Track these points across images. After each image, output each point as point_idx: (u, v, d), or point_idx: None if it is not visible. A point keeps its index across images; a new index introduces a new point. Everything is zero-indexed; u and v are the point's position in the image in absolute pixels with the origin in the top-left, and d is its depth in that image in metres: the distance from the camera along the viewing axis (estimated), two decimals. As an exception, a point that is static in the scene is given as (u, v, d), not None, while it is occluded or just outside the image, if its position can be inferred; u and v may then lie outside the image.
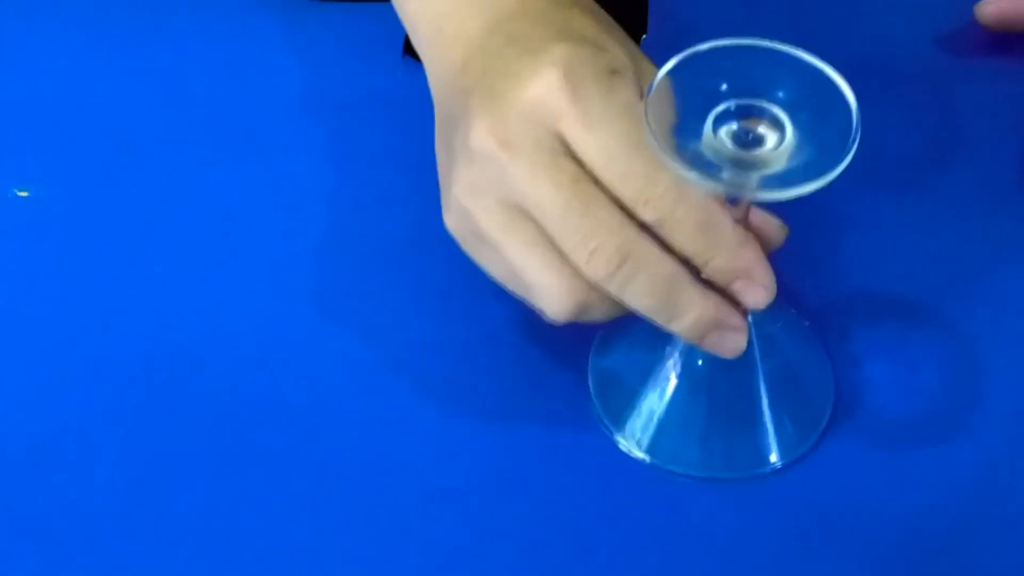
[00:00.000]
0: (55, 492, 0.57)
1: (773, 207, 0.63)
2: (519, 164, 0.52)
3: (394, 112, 0.67)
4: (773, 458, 0.58)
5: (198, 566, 0.55)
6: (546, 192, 0.52)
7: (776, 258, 0.57)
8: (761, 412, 0.58)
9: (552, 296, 0.53)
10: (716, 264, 0.52)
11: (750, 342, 0.57)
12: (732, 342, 0.54)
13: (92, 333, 0.62)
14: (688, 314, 0.53)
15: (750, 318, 0.56)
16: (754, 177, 0.50)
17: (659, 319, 0.53)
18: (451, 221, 0.55)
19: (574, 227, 0.52)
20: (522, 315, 0.61)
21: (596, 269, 0.52)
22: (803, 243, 0.63)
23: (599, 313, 0.54)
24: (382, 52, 0.69)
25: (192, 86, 0.69)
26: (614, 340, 0.60)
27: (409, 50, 0.69)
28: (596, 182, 0.52)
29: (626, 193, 0.52)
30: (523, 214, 0.53)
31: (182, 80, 0.69)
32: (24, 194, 0.66)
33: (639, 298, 0.53)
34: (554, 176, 0.52)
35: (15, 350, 0.61)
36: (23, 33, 0.71)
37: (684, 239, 0.52)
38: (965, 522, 0.56)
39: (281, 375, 0.60)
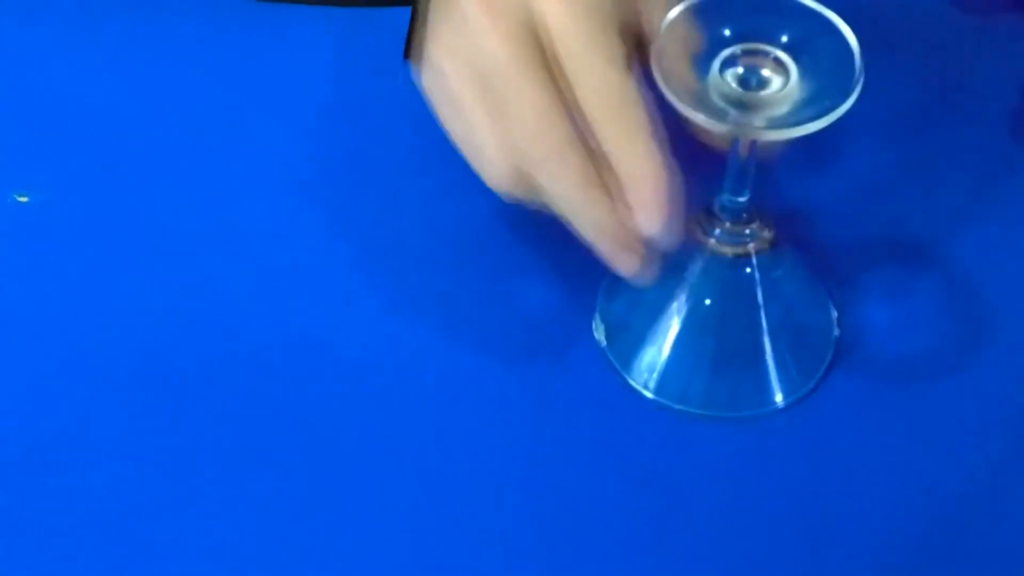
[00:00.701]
0: (55, 498, 0.57)
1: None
2: (496, 29, 0.54)
3: (395, 116, 0.68)
4: (776, 398, 0.59)
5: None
6: (506, 61, 0.54)
7: (781, 202, 0.60)
8: (764, 353, 0.59)
9: (492, 160, 0.56)
10: (613, 148, 0.55)
11: (754, 284, 0.59)
12: (627, 262, 0.56)
13: (93, 338, 0.61)
14: (592, 212, 0.55)
15: (754, 261, 0.58)
16: (758, 118, 0.51)
17: (565, 208, 0.56)
18: (426, 80, 0.58)
19: (521, 101, 0.54)
20: (531, 261, 0.63)
21: (528, 145, 0.55)
22: (806, 188, 0.65)
23: (536, 191, 0.56)
24: (383, 56, 0.70)
25: (193, 92, 0.69)
26: (622, 283, 0.62)
27: (410, 54, 0.70)
28: (553, 59, 0.54)
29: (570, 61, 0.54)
30: (487, 79, 0.55)
31: (183, 86, 0.69)
32: (24, 199, 0.66)
33: (554, 181, 0.55)
34: (518, 49, 0.54)
35: (15, 356, 0.61)
36: (23, 38, 0.71)
37: (594, 101, 0.54)
38: (965, 461, 0.58)
39: (285, 366, 0.61)
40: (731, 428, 0.59)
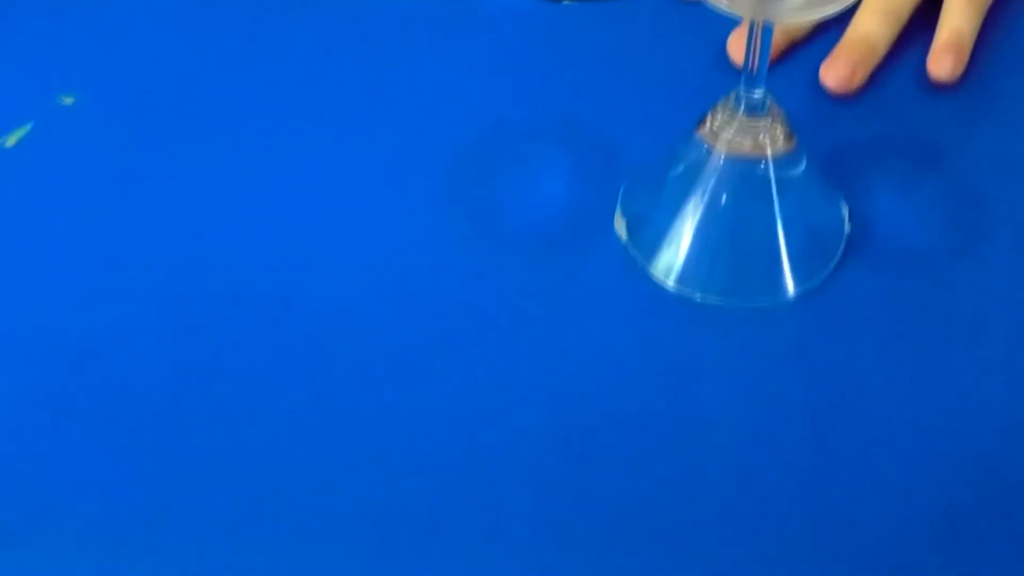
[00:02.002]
0: (100, 390, 0.59)
1: (800, 50, 0.68)
2: None
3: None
4: (790, 288, 0.62)
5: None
6: None
7: (796, 104, 0.62)
8: (778, 245, 0.62)
9: None
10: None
11: (769, 182, 0.61)
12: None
13: (135, 240, 0.63)
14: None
15: (769, 159, 0.61)
16: (777, 3, 0.54)
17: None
18: None
19: None
20: (555, 165, 0.66)
21: None
22: (820, 91, 0.68)
23: None
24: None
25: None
26: (642, 182, 0.65)
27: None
28: None
29: None
30: None
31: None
32: (69, 101, 0.67)
33: None
34: None
35: (58, 256, 0.63)
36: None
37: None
38: (970, 345, 0.60)
39: (309, 261, 0.63)
40: (746, 316, 0.61)
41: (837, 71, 0.68)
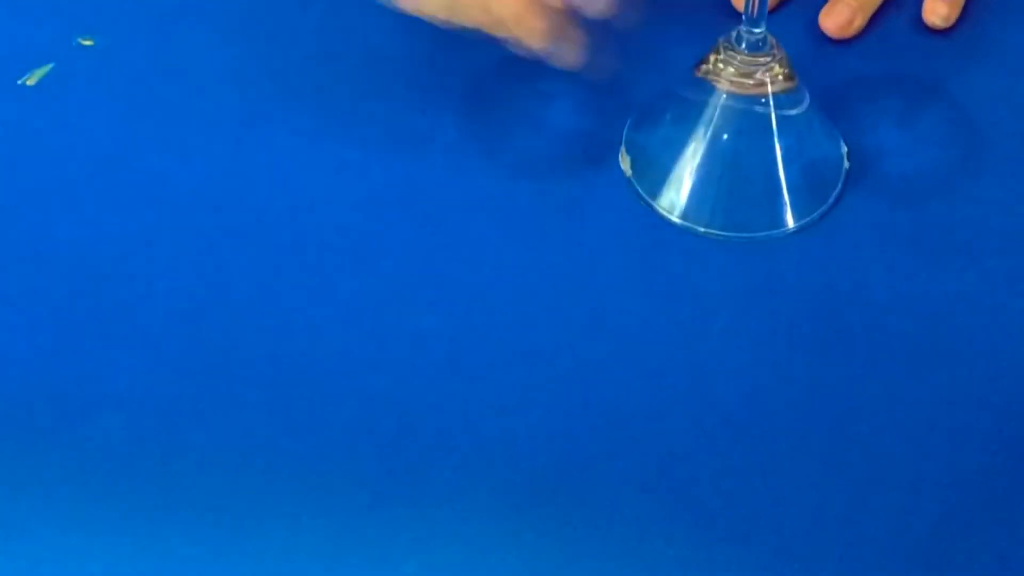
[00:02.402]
0: (120, 314, 0.61)
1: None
2: None
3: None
4: (789, 221, 0.64)
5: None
6: None
7: (795, 49, 0.64)
8: (778, 181, 0.64)
9: None
10: None
11: (769, 120, 0.63)
12: (569, 54, 0.60)
13: (152, 175, 0.65)
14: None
15: (770, 97, 0.63)
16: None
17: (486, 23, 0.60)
18: None
19: None
20: (562, 103, 0.68)
21: None
22: (819, 36, 0.70)
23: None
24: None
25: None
26: (646, 119, 0.66)
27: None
28: None
29: None
30: None
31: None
32: (88, 43, 0.69)
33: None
34: None
35: (75, 191, 0.64)
36: None
37: None
38: (966, 272, 0.62)
39: (325, 191, 0.65)
40: (747, 248, 0.63)
41: (837, 16, 0.69)
